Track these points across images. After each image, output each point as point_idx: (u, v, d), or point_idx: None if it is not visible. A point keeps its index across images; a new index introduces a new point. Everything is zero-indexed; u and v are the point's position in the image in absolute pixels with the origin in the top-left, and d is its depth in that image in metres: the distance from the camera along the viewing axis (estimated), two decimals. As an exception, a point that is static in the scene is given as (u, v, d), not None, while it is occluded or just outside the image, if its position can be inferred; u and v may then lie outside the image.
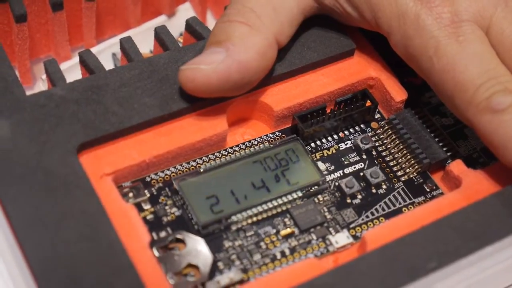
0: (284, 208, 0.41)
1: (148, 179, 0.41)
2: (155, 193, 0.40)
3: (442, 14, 0.40)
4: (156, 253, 0.38)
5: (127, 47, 0.43)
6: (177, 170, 0.41)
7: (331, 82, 0.44)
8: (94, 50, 0.48)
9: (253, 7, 0.41)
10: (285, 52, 0.44)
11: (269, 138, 0.43)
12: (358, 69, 0.45)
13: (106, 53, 0.49)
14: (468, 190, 0.41)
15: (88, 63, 0.42)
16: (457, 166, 0.42)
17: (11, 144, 0.38)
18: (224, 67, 0.39)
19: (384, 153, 0.44)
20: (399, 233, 0.38)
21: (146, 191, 0.40)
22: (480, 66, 0.39)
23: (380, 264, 0.37)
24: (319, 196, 0.41)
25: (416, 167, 0.43)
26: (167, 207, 0.40)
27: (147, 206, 0.40)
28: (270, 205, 0.40)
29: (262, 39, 0.40)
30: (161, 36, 0.44)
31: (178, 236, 0.39)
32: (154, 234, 0.39)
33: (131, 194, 0.40)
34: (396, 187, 0.42)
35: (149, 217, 0.40)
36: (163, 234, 0.39)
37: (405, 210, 0.42)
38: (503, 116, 0.38)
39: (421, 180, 0.43)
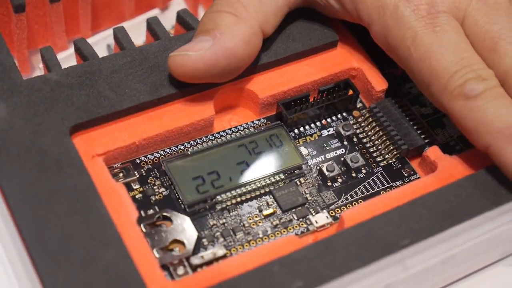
0: (267, 189, 0.43)
1: (138, 161, 0.43)
2: (144, 174, 0.42)
3: (419, 5, 0.42)
4: (144, 229, 0.40)
5: (120, 36, 0.45)
6: (165, 153, 0.43)
7: (314, 72, 0.46)
8: (90, 41, 0.50)
9: (239, -2, 0.43)
10: (271, 42, 0.46)
11: (255, 125, 0.45)
12: (341, 60, 0.47)
13: (102, 44, 0.51)
14: (443, 174, 0.42)
15: (83, 50, 0.44)
16: (433, 152, 0.44)
17: (8, 125, 0.40)
18: (211, 53, 0.42)
19: (364, 140, 0.46)
20: (375, 213, 0.40)
21: (136, 172, 0.42)
22: (454, 55, 0.41)
23: (356, 239, 0.38)
24: (301, 179, 0.43)
25: (395, 153, 0.45)
26: (155, 187, 0.42)
27: (136, 186, 0.42)
28: (253, 186, 0.42)
29: (247, 28, 0.43)
30: (153, 26, 0.46)
31: (165, 214, 0.41)
32: (142, 212, 0.41)
33: (121, 174, 0.42)
34: (375, 171, 0.44)
35: (138, 196, 0.42)
36: (150, 212, 0.41)
37: (383, 193, 0.43)
38: (475, 102, 0.40)
39: (399, 166, 0.45)
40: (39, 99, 0.42)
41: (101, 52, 0.51)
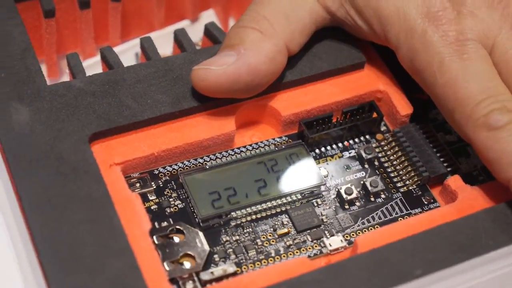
0: (283, 208, 0.42)
1: (156, 172, 0.43)
2: (161, 185, 0.42)
3: (448, 31, 0.42)
4: (156, 241, 0.40)
5: (146, 46, 0.46)
6: (184, 166, 0.43)
7: (339, 92, 0.46)
8: (118, 48, 0.50)
9: (267, 15, 0.43)
10: (296, 60, 0.45)
11: (276, 142, 0.45)
12: (367, 82, 0.46)
13: (130, 52, 0.52)
14: (463, 204, 0.42)
15: (108, 59, 0.45)
16: (455, 181, 0.43)
17: (29, 129, 0.41)
18: (234, 69, 0.41)
19: (386, 164, 0.45)
20: (390, 239, 0.39)
21: (153, 183, 0.42)
22: (480, 84, 0.41)
23: (368, 265, 0.38)
24: (318, 200, 0.43)
25: (416, 179, 0.44)
26: (171, 200, 0.42)
27: (152, 197, 0.42)
28: (269, 204, 0.42)
29: (272, 45, 0.42)
30: (179, 38, 0.46)
31: (178, 227, 0.40)
32: (156, 223, 0.41)
33: (138, 185, 0.42)
34: (394, 197, 0.44)
35: (153, 207, 0.42)
36: (164, 223, 0.41)
37: (401, 220, 0.43)
38: (499, 133, 0.39)
39: (420, 193, 0.44)
40: (61, 105, 0.42)
41: (129, 60, 0.51)
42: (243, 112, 0.45)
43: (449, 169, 0.45)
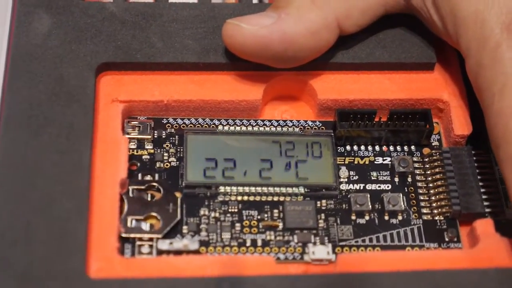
0: (281, 198, 0.38)
1: (164, 121, 0.39)
2: (163, 136, 0.39)
3: (524, 52, 0.35)
4: (130, 193, 0.37)
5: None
6: (196, 123, 0.39)
7: (394, 90, 0.40)
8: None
9: (326, -17, 0.38)
10: (355, 42, 0.40)
11: (307, 125, 0.40)
12: (431, 87, 0.40)
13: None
14: (480, 253, 0.35)
15: (156, -11, 0.41)
16: (483, 225, 0.36)
17: (42, 41, 0.38)
18: (266, 33, 0.37)
19: (419, 184, 0.39)
20: (374, 267, 0.34)
21: (156, 131, 0.39)
22: (537, 123, 0.33)
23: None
24: (323, 201, 0.38)
25: (445, 210, 0.38)
26: (166, 154, 0.38)
27: (148, 146, 0.39)
28: (265, 190, 0.38)
29: (319, 17, 0.37)
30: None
31: (156, 185, 0.37)
32: (140, 175, 0.38)
33: (136, 128, 0.39)
34: (413, 223, 0.38)
35: (145, 157, 0.38)
36: (148, 177, 0.38)
37: (408, 250, 0.37)
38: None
39: (444, 226, 0.38)
40: (85, 25, 0.39)
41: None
42: (279, 83, 0.40)
43: (489, 209, 0.38)
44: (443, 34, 0.38)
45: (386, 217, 0.38)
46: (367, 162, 0.39)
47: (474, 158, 0.39)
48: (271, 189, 0.38)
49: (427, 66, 0.40)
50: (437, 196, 0.38)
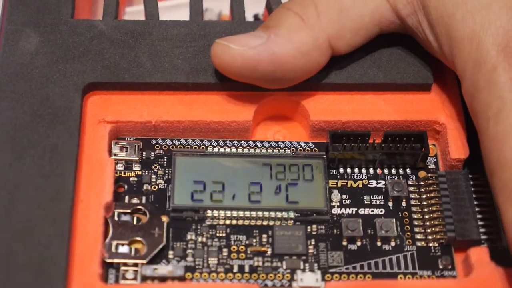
0: (270, 223, 0.37)
1: (153, 142, 0.39)
2: (151, 158, 0.38)
3: (520, 75, 0.34)
4: (115, 216, 0.36)
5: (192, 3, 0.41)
6: (186, 143, 0.39)
7: (389, 111, 0.39)
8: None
9: (317, 2, 0.37)
10: (348, 62, 0.39)
11: (299, 147, 0.39)
12: (427, 108, 0.39)
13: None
14: (473, 283, 0.34)
15: (146, 7, 0.41)
16: (477, 253, 0.35)
17: (29, 60, 0.38)
18: (254, 53, 0.36)
19: (414, 209, 0.38)
20: (362, 298, 0.33)
21: (144, 153, 0.38)
22: (532, 150, 0.32)
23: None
24: (314, 226, 0.37)
25: (439, 237, 0.37)
26: (153, 177, 0.38)
27: (136, 168, 0.38)
28: (254, 214, 0.37)
29: (310, 37, 0.36)
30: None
31: (142, 208, 0.36)
32: (126, 197, 0.37)
33: (124, 150, 0.38)
34: (406, 249, 0.37)
35: (132, 179, 0.38)
36: (134, 200, 0.37)
37: (400, 278, 0.36)
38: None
39: (439, 253, 0.37)
40: (73, 44, 0.39)
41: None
42: (270, 103, 0.39)
43: (485, 236, 0.37)
44: (439, 55, 0.37)
45: (379, 243, 0.37)
46: (360, 185, 0.38)
47: (471, 182, 0.38)
48: (260, 213, 0.37)
49: (424, 87, 0.39)
50: (432, 222, 0.37)
